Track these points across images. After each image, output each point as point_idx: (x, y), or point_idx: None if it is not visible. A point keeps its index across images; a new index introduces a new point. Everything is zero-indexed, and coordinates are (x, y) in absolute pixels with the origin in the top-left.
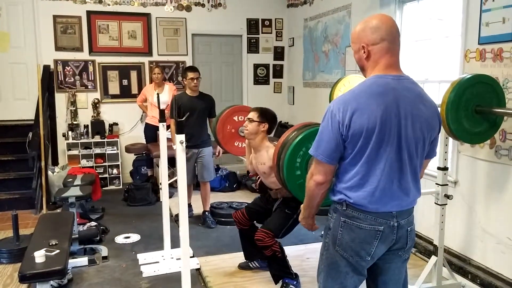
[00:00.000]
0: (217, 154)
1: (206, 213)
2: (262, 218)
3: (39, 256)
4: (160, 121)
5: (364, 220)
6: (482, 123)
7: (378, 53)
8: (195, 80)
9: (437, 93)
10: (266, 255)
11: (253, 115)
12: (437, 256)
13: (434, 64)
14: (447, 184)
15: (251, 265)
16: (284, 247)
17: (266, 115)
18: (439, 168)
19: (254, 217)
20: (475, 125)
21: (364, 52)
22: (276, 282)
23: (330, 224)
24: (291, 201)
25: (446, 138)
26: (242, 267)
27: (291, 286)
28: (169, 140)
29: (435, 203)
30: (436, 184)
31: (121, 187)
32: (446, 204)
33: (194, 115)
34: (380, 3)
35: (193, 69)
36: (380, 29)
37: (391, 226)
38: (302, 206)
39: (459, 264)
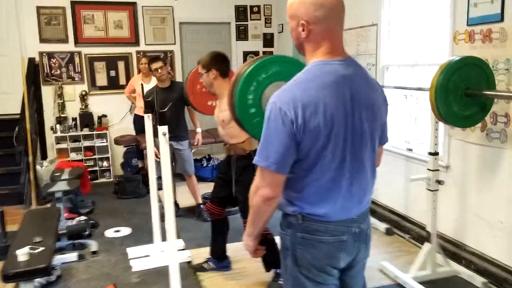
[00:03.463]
0: (196, 143)
1: (201, 206)
2: (230, 198)
3: (22, 254)
4: (145, 112)
5: (325, 231)
6: (472, 106)
7: (321, 33)
8: (159, 70)
9: (426, 77)
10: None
11: (199, 69)
12: (430, 242)
13: (423, 47)
14: (438, 170)
15: (205, 266)
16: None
17: (210, 61)
18: (429, 153)
19: (223, 201)
20: (465, 109)
21: (304, 30)
22: (267, 270)
23: (287, 243)
24: (245, 167)
25: (436, 122)
26: (196, 268)
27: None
28: None
29: (426, 188)
30: (428, 169)
31: (112, 179)
32: (438, 189)
33: (168, 107)
34: None
35: (154, 59)
36: (323, 6)
37: (353, 233)
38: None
39: (453, 250)
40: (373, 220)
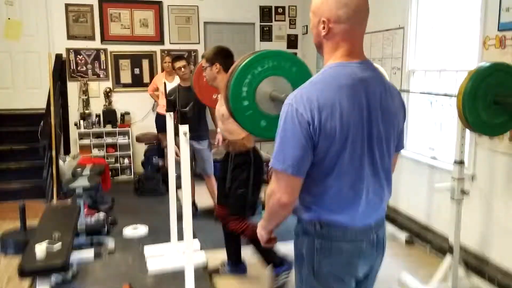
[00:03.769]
0: (216, 143)
1: None
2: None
3: (40, 250)
4: (167, 110)
5: (343, 239)
6: (501, 114)
7: (341, 34)
8: (182, 69)
9: (454, 83)
10: (247, 238)
11: (203, 62)
12: (452, 254)
13: (451, 53)
14: (463, 178)
15: (221, 270)
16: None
17: (214, 55)
18: (455, 162)
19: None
20: (494, 117)
21: (324, 28)
22: (265, 263)
23: (303, 251)
24: (241, 164)
25: (463, 130)
26: (211, 271)
27: (283, 273)
28: None
29: (451, 198)
30: (452, 178)
31: (132, 177)
32: (463, 199)
33: (189, 107)
34: None
35: (178, 58)
36: (347, 6)
37: (371, 240)
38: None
39: (476, 264)
40: (393, 229)
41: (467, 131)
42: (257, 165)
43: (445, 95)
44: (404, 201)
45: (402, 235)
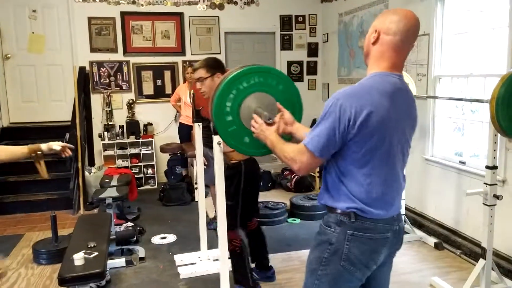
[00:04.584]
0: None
1: None
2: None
3: (78, 258)
4: (195, 121)
5: (374, 229)
6: None
7: (387, 45)
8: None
9: (482, 88)
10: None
11: (200, 73)
12: (485, 259)
13: (479, 58)
14: (496, 184)
15: None
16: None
17: (214, 64)
18: (487, 167)
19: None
20: None
21: (374, 36)
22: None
23: (332, 239)
24: (231, 176)
25: (495, 135)
26: None
27: None
28: None
29: (483, 203)
30: (485, 184)
31: (156, 187)
32: (495, 204)
33: None
34: None
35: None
36: (398, 23)
37: (394, 230)
38: (270, 141)
39: (509, 267)
40: (421, 234)
41: (499, 136)
42: (249, 176)
43: (476, 100)
44: (431, 206)
45: (431, 240)
